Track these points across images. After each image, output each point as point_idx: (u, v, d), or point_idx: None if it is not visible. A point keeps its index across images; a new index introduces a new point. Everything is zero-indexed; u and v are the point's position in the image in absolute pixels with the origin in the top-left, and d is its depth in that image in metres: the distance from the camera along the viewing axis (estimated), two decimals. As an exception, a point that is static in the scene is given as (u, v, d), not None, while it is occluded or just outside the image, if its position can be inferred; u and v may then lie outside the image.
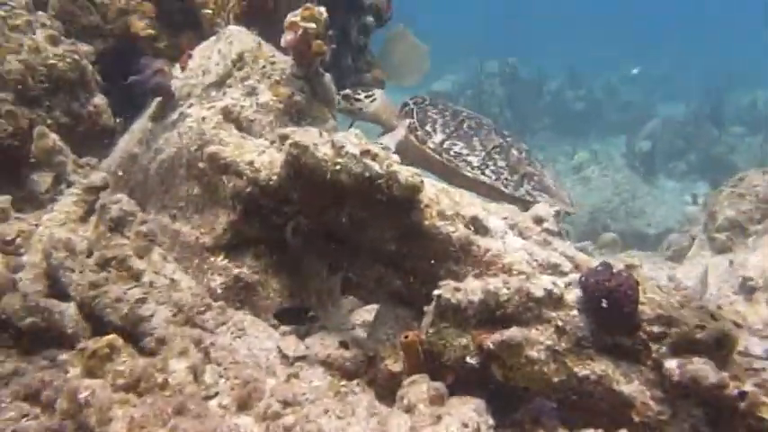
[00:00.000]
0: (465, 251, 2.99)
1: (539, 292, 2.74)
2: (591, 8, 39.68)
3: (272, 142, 3.34)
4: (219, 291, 3.39)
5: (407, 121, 4.10)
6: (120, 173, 3.85)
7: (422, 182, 2.97)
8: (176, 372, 2.40)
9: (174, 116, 3.69)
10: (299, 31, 3.47)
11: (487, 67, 18.89)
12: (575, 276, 2.94)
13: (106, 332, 2.83)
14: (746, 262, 3.67)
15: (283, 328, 3.37)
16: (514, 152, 4.02)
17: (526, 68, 20.41)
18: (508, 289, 2.76)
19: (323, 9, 3.50)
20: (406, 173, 2.94)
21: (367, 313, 3.67)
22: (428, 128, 3.99)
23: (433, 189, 3.11)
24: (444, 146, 3.92)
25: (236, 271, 3.43)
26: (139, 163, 3.80)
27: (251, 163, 3.21)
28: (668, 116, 19.30)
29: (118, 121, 4.37)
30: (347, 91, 4.43)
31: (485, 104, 16.65)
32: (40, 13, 4.12)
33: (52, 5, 4.41)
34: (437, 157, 3.92)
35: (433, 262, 3.04)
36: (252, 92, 3.60)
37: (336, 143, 2.95)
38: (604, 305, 2.62)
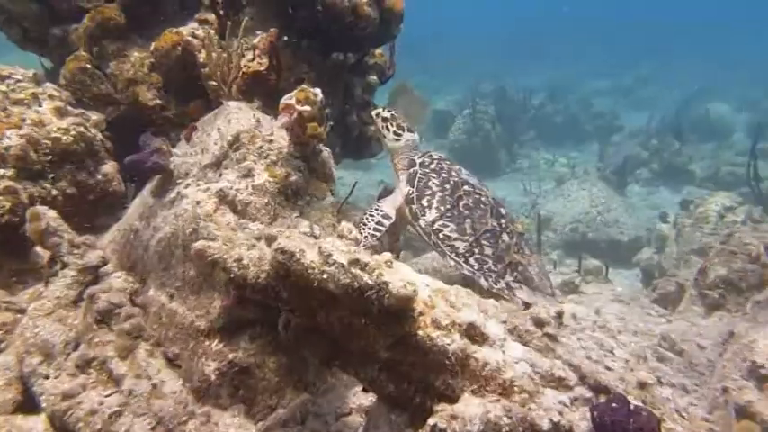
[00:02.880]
0: (462, 365, 2.20)
1: (545, 425, 1.97)
2: (568, 28, 37.61)
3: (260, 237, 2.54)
4: (213, 377, 2.67)
5: (407, 189, 3.28)
6: (123, 246, 3.09)
7: (415, 291, 2.18)
8: None
9: (173, 194, 2.92)
10: (294, 115, 2.67)
11: (481, 88, 17.76)
12: (581, 391, 2.17)
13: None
14: (754, 344, 2.82)
15: (278, 412, 2.65)
16: (505, 237, 3.20)
17: (513, 88, 19.26)
18: (510, 418, 1.99)
19: (318, 91, 2.68)
20: (399, 283, 2.15)
21: (363, 395, 2.90)
22: (424, 202, 3.18)
23: (426, 291, 2.32)
24: (435, 226, 3.13)
25: (230, 356, 2.71)
26: (140, 238, 3.04)
27: (239, 260, 2.43)
28: (633, 127, 18.21)
29: (131, 185, 3.58)
30: (387, 114, 3.58)
31: (478, 120, 15.60)
32: (48, 84, 3.33)
33: (63, 75, 3.63)
34: (425, 237, 3.13)
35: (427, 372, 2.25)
36: (248, 174, 2.81)
37: (323, 251, 2.16)
38: (621, 449, 1.86)
